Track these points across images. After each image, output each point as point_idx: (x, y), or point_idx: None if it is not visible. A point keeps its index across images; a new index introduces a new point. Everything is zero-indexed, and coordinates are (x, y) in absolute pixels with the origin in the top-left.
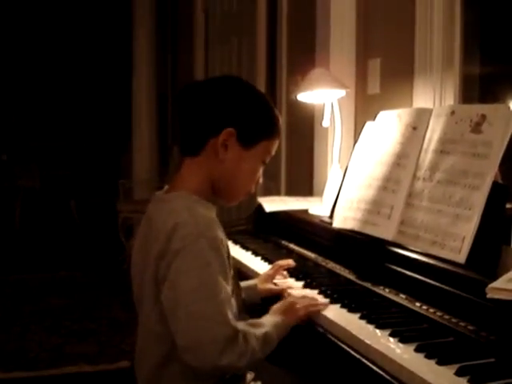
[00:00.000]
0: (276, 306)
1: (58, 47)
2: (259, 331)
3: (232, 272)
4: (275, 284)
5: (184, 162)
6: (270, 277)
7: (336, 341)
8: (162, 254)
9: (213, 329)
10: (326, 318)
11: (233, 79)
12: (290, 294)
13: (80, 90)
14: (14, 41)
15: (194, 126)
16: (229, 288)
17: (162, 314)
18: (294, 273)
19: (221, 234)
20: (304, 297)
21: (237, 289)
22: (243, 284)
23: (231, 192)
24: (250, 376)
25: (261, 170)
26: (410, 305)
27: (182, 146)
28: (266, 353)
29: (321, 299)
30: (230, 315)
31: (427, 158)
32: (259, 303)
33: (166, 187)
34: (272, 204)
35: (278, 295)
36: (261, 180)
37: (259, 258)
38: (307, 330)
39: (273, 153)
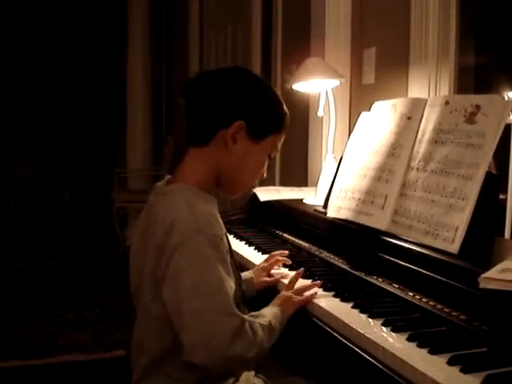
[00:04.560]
0: (273, 301)
1: (51, 36)
2: (264, 320)
3: (234, 264)
4: (270, 276)
5: (189, 152)
6: (265, 269)
7: (329, 330)
8: (160, 250)
9: (219, 321)
10: (319, 307)
11: (243, 71)
12: (283, 284)
13: (74, 79)
14: (6, 29)
15: (204, 117)
16: (231, 282)
17: (162, 309)
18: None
19: (219, 231)
20: (298, 289)
21: (239, 281)
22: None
23: (235, 185)
24: None
25: (266, 165)
26: (402, 294)
27: (189, 136)
28: (271, 343)
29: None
30: (234, 306)
31: (421, 148)
32: (254, 296)
33: (168, 177)
34: (266, 194)
35: (272, 287)
36: (265, 175)
37: (253, 248)
38: (300, 318)
39: (279, 147)
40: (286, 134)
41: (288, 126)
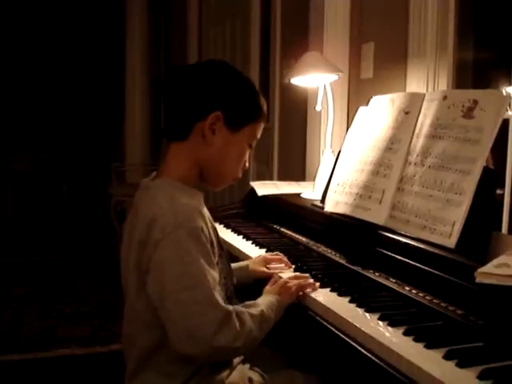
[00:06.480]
0: (268, 288)
1: (49, 30)
2: (255, 310)
3: (224, 257)
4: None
5: (170, 148)
6: (266, 260)
7: (326, 324)
8: (143, 244)
9: (204, 313)
10: (316, 301)
11: (218, 63)
12: (280, 277)
13: (72, 73)
14: (4, 21)
15: (180, 111)
16: (215, 273)
17: (148, 302)
18: (285, 256)
19: (202, 223)
20: (296, 277)
21: (229, 274)
22: (235, 265)
23: (219, 176)
24: (237, 359)
25: (247, 154)
26: (399, 289)
27: (168, 132)
28: (263, 331)
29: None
30: (219, 298)
31: (419, 142)
32: (251, 284)
33: (154, 173)
34: (264, 188)
35: (269, 278)
36: (247, 164)
37: (250, 242)
38: (297, 312)
39: (258, 136)
40: (264, 122)
41: (265, 114)
